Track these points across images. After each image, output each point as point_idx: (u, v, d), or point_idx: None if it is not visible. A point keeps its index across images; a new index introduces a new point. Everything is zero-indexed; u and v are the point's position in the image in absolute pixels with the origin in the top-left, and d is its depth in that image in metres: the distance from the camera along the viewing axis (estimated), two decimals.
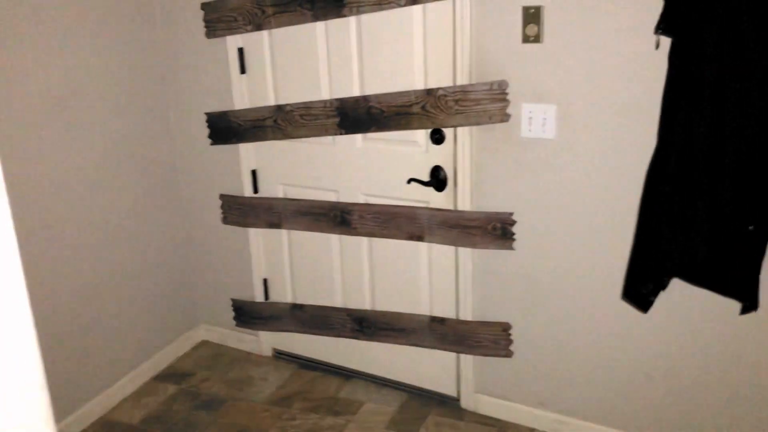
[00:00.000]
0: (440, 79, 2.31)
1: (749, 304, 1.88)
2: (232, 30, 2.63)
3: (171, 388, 2.89)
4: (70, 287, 2.57)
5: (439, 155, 2.41)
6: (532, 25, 2.11)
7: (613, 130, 2.09)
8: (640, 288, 2.01)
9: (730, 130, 1.76)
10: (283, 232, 2.88)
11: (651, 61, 1.96)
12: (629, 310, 2.21)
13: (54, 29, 2.39)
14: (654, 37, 1.90)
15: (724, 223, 1.82)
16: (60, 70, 2.43)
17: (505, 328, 2.48)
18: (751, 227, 1.81)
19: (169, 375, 2.99)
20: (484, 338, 2.53)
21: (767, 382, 2.09)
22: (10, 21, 2.25)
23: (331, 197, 2.70)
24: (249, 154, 2.83)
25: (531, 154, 2.24)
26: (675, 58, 1.85)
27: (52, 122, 2.42)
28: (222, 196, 2.93)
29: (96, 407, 2.70)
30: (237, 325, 3.12)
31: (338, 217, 2.67)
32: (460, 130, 2.33)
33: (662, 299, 2.09)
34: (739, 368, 2.12)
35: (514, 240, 2.35)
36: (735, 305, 1.98)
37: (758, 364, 2.09)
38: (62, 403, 2.56)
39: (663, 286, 1.99)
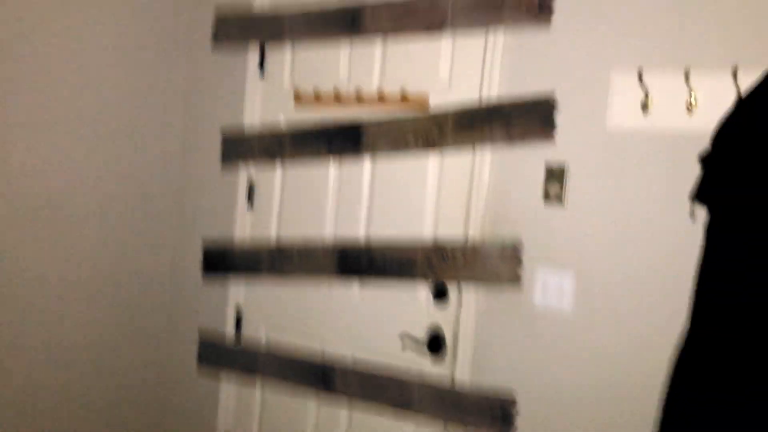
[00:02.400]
0: (450, 230, 2.11)
1: None
2: (247, 159, 2.54)
3: None
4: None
5: (441, 316, 2.14)
6: (554, 184, 1.94)
7: (640, 308, 1.80)
8: None
9: None
10: (257, 391, 2.55)
11: (687, 234, 1.73)
12: None
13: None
14: (690, 206, 1.68)
15: None
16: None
17: None
18: None
19: None
20: None
21: None
22: (33, 32, 2.21)
23: (317, 347, 2.40)
24: (238, 290, 2.60)
25: (543, 327, 1.95)
26: (711, 232, 1.62)
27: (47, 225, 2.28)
28: (201, 334, 2.65)
29: None
30: None
31: (319, 374, 2.35)
32: (465, 291, 2.08)
33: None
34: None
35: (515, 430, 1.99)
36: None
37: None
38: None
39: None
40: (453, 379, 2.10)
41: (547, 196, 1.94)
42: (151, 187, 2.68)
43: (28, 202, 2.27)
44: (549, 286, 1.94)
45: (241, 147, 2.56)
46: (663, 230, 1.77)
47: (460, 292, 2.09)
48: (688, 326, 1.63)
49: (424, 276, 2.12)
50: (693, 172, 1.65)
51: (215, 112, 2.66)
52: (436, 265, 2.09)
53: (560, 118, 1.92)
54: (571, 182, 1.91)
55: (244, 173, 2.58)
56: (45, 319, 2.35)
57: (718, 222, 1.61)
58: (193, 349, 2.69)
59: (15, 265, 2.24)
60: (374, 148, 2.23)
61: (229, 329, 2.61)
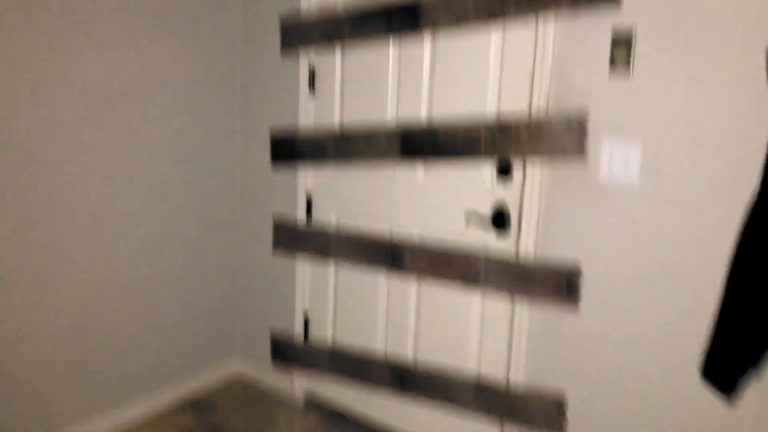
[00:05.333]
0: (514, 104, 2.07)
1: None
2: (307, 45, 2.53)
3: (190, 419, 2.66)
4: (110, 291, 2.46)
5: (505, 193, 2.15)
6: (621, 51, 1.85)
7: (709, 182, 1.76)
8: (726, 365, 1.62)
9: None
10: (330, 268, 2.67)
11: (759, 100, 1.65)
12: (705, 396, 1.80)
13: (135, 26, 2.37)
14: (764, 72, 1.59)
15: None
16: (135, 65, 2.40)
17: (560, 404, 2.11)
18: None
19: (191, 404, 2.78)
20: (534, 413, 2.17)
21: None
22: (94, 19, 2.25)
23: (385, 230, 2.48)
24: (306, 177, 2.67)
25: (609, 201, 1.93)
26: None
27: (120, 117, 2.37)
28: (275, 219, 2.77)
29: (109, 422, 2.51)
30: (272, 362, 2.89)
31: (389, 253, 2.43)
32: (530, 167, 2.07)
33: (756, 387, 1.69)
34: None
35: (579, 299, 2.02)
36: None
37: None
38: (75, 409, 2.39)
39: (756, 364, 1.60)
40: (518, 254, 2.14)
41: (613, 64, 1.87)
42: (214, 77, 2.72)
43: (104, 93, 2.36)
44: (615, 159, 1.90)
45: (299, 32, 2.54)
46: (734, 97, 1.69)
47: (524, 167, 2.08)
48: (760, 184, 1.59)
49: (488, 153, 2.11)
50: None
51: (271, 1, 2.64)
52: (499, 142, 2.07)
53: None
54: (639, 49, 1.82)
55: (304, 60, 2.58)
56: (129, 215, 2.49)
57: None
58: (268, 235, 2.81)
59: (102, 170, 2.37)
60: (434, 24, 2.17)
61: (301, 214, 2.70)
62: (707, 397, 1.82)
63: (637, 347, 1.95)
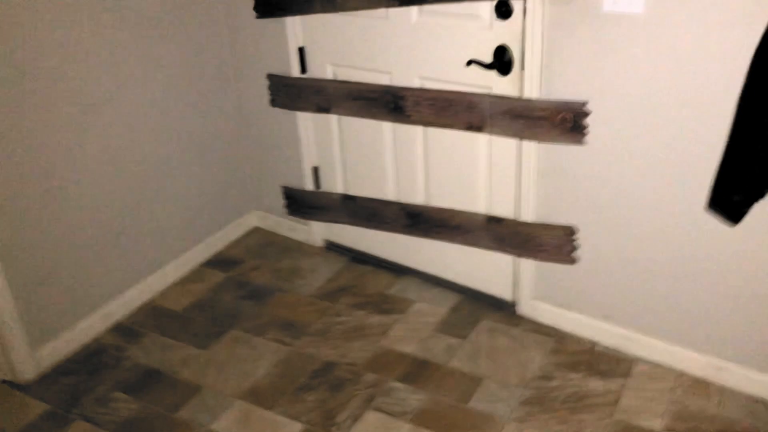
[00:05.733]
0: None
1: None
2: None
3: (219, 275, 2.82)
4: (123, 166, 2.48)
5: (505, 33, 2.08)
6: None
7: (716, 5, 1.69)
8: (732, 195, 1.68)
9: None
10: (333, 118, 2.65)
11: None
12: (714, 222, 1.89)
13: None
14: None
15: None
16: None
17: (570, 232, 2.22)
18: None
19: (218, 261, 2.92)
20: (545, 242, 2.29)
21: None
22: None
23: (384, 79, 2.43)
24: (296, 29, 2.56)
25: (613, 33, 1.87)
26: None
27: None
28: (269, 76, 2.71)
29: (143, 291, 2.67)
30: (288, 214, 2.99)
31: (391, 103, 2.41)
32: (530, 1, 1.97)
33: (756, 209, 1.77)
34: None
35: (585, 134, 2.04)
36: None
37: None
38: (108, 285, 2.53)
39: (762, 194, 1.66)
40: (522, 94, 2.11)
41: None
42: None
43: None
44: None
45: None
46: None
47: (524, 5, 1.99)
48: None
49: None
50: None
51: None
52: None
53: None
54: None
55: None
56: (135, 95, 2.43)
57: None
58: (265, 97, 2.76)
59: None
60: None
61: (295, 69, 2.63)
62: (709, 222, 1.90)
63: (646, 178, 2.00)
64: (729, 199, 1.68)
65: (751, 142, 1.59)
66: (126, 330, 2.53)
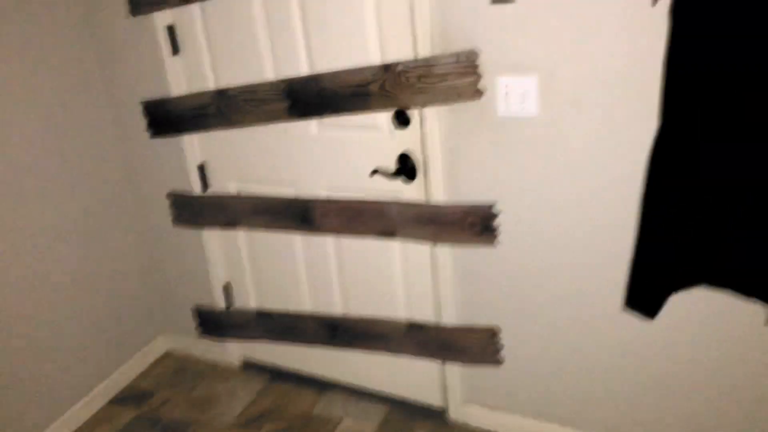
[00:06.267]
0: (399, 52, 1.94)
1: None
2: (159, 5, 2.25)
3: (128, 414, 2.59)
4: (11, 302, 2.26)
5: (406, 140, 2.06)
6: None
7: (608, 104, 1.72)
8: (646, 293, 1.68)
9: (754, 104, 1.41)
10: (241, 234, 2.55)
11: (652, 20, 1.59)
12: (631, 313, 1.88)
13: None
14: None
15: (751, 211, 1.48)
16: None
17: (493, 333, 2.17)
18: None
19: (127, 397, 2.69)
20: (469, 345, 2.22)
21: None
22: None
23: (290, 192, 2.36)
24: (193, 146, 2.47)
25: (510, 136, 1.88)
26: (677, 16, 1.48)
27: None
28: (169, 195, 2.59)
29: None
30: (200, 335, 2.81)
31: (298, 214, 2.33)
32: (427, 110, 1.97)
33: (670, 301, 1.77)
34: (757, 380, 1.80)
35: (496, 235, 2.02)
36: (754, 310, 1.65)
37: None
38: None
39: (675, 288, 1.66)
40: (429, 199, 2.09)
41: None
42: (64, 63, 2.40)
43: None
44: (511, 94, 1.83)
45: None
46: (628, 19, 1.62)
47: (421, 115, 1.99)
48: (660, 120, 1.57)
49: (382, 106, 1.99)
50: None
51: None
52: (391, 92, 1.95)
53: None
54: None
55: (159, 18, 2.30)
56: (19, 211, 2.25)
57: (682, 6, 1.47)
58: (167, 215, 2.64)
59: None
60: None
61: (196, 185, 2.53)
62: (627, 315, 1.89)
63: (559, 275, 1.98)
64: (644, 297, 1.67)
65: (659, 240, 1.60)
66: None
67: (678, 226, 1.55)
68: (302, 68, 2.12)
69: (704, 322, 1.81)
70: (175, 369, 2.84)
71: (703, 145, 1.51)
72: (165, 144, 2.52)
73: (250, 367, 2.80)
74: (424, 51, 1.88)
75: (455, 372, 2.30)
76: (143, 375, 2.82)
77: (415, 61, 1.89)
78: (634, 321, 1.90)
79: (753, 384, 1.82)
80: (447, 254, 2.13)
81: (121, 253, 2.71)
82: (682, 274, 1.63)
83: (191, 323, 2.83)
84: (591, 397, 2.09)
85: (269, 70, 2.18)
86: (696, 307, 1.80)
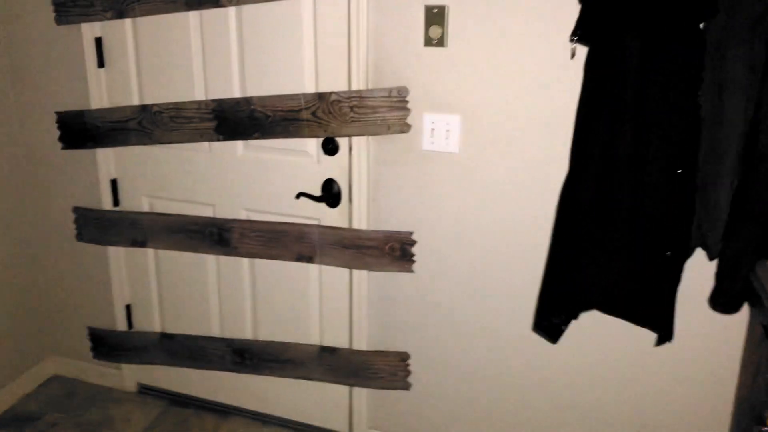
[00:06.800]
0: (334, 84, 2.04)
1: (665, 335, 1.76)
2: (88, 16, 2.24)
3: None
4: None
5: (333, 167, 2.15)
6: (435, 26, 1.89)
7: (523, 144, 1.91)
8: (552, 318, 1.84)
9: (648, 153, 1.62)
10: (149, 252, 2.51)
11: (565, 71, 1.80)
12: (537, 339, 2.05)
13: None
14: (569, 45, 1.74)
15: (641, 251, 1.69)
16: None
17: (403, 358, 2.26)
18: (668, 253, 1.68)
19: (10, 419, 2.52)
20: (379, 369, 2.30)
21: (680, 411, 1.99)
22: None
23: (208, 212, 2.37)
24: (108, 160, 2.43)
25: (433, 169, 2.03)
26: (590, 69, 1.69)
27: None
28: (76, 209, 2.51)
29: None
30: (95, 357, 2.70)
31: (215, 235, 2.34)
32: (355, 140, 2.08)
33: (573, 327, 1.95)
34: (652, 399, 2.01)
35: (413, 262, 2.13)
36: (649, 333, 1.86)
37: (671, 394, 1.99)
38: None
39: (575, 316, 1.84)
40: (351, 225, 2.17)
41: (428, 40, 1.90)
42: None
43: None
44: (436, 130, 1.98)
45: (78, 1, 2.23)
46: (544, 69, 1.82)
47: (350, 144, 2.09)
48: (570, 162, 1.77)
49: (312, 133, 2.08)
50: (574, 9, 1.68)
51: None
52: (323, 119, 2.05)
53: None
54: (452, 23, 1.88)
55: (87, 29, 2.28)
56: None
57: (595, 60, 1.68)
58: (72, 227, 2.55)
59: None
60: None
61: (107, 201, 2.47)
62: (534, 338, 2.06)
63: (470, 302, 2.12)
64: (550, 322, 1.84)
65: (563, 272, 1.78)
66: None
67: (577, 259, 1.74)
68: (234, 91, 2.17)
69: (602, 347, 2.01)
70: (65, 392, 2.69)
71: (600, 191, 1.71)
72: (76, 156, 2.45)
73: (147, 392, 2.71)
74: (358, 84, 2.00)
75: (362, 397, 2.36)
76: (29, 396, 2.65)
77: (349, 92, 2.00)
78: (538, 346, 2.06)
79: (648, 405, 2.03)
80: (363, 279, 2.22)
81: (14, 266, 2.57)
82: (578, 301, 1.82)
83: (84, 345, 2.71)
84: (495, 422, 2.22)
85: (199, 91, 2.22)
86: (595, 333, 1.99)
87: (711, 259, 1.68)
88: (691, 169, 1.61)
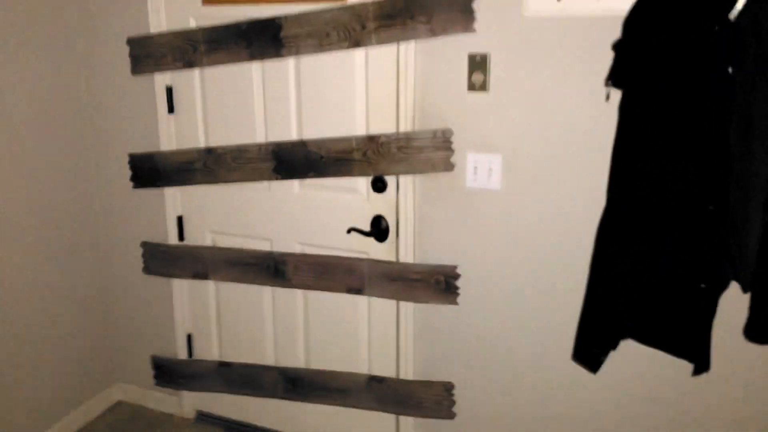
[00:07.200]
0: (382, 126, 2.20)
1: (702, 365, 1.81)
2: (161, 67, 2.46)
3: None
4: None
5: (381, 204, 2.29)
6: (478, 73, 2.04)
7: (562, 181, 2.02)
8: (591, 348, 1.91)
9: (679, 188, 1.71)
10: (210, 284, 2.68)
11: (601, 113, 1.91)
12: (579, 370, 2.11)
13: None
14: (604, 89, 1.85)
15: (677, 283, 1.76)
16: None
17: (448, 388, 2.34)
18: (703, 285, 1.75)
19: None
20: (425, 399, 2.38)
21: None
22: None
23: (265, 246, 2.53)
24: (175, 199, 2.63)
25: (476, 205, 2.14)
26: (625, 111, 1.80)
27: None
28: (144, 244, 2.71)
29: None
30: (157, 384, 2.86)
31: (272, 268, 2.49)
32: (402, 178, 2.22)
33: (614, 358, 2.01)
34: (700, 425, 2.04)
35: (458, 294, 2.24)
36: (687, 364, 1.91)
37: (711, 422, 2.01)
38: None
39: (614, 346, 1.91)
40: (398, 259, 2.30)
41: (471, 85, 2.05)
42: (57, 107, 2.56)
43: None
44: (479, 169, 2.11)
45: (151, 53, 2.46)
46: (581, 111, 1.94)
47: (398, 182, 2.23)
48: (607, 199, 1.86)
49: (363, 172, 2.23)
50: (607, 55, 1.80)
51: (117, 20, 2.53)
52: (372, 159, 2.20)
53: (480, 8, 1.98)
54: (494, 70, 2.02)
55: (160, 80, 2.51)
56: None
57: (630, 103, 1.79)
58: (140, 261, 2.74)
59: None
60: (296, 47, 2.22)
61: (173, 236, 2.67)
62: (576, 369, 2.12)
63: (514, 335, 2.20)
64: (590, 352, 1.90)
65: (602, 304, 1.85)
66: None
67: (614, 292, 1.81)
68: (292, 134, 2.35)
69: (642, 378, 2.06)
70: (128, 417, 2.85)
71: (634, 226, 1.79)
72: (145, 196, 2.66)
73: (204, 419, 2.84)
74: (406, 126, 2.15)
75: (409, 426, 2.45)
76: (95, 421, 2.82)
77: (397, 134, 2.15)
78: (579, 377, 2.13)
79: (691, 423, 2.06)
80: (410, 311, 2.33)
81: (86, 298, 2.78)
82: (615, 332, 1.88)
83: (148, 372, 2.87)
84: None
85: (260, 134, 2.40)
86: (636, 364, 2.05)
87: (744, 292, 1.73)
88: (723, 205, 1.68)
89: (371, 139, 2.19)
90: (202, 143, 2.52)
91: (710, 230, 1.71)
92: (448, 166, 2.12)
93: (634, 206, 1.79)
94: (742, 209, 1.68)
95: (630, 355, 2.02)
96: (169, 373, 2.83)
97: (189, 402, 2.86)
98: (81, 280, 2.74)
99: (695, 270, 1.74)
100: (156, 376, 2.85)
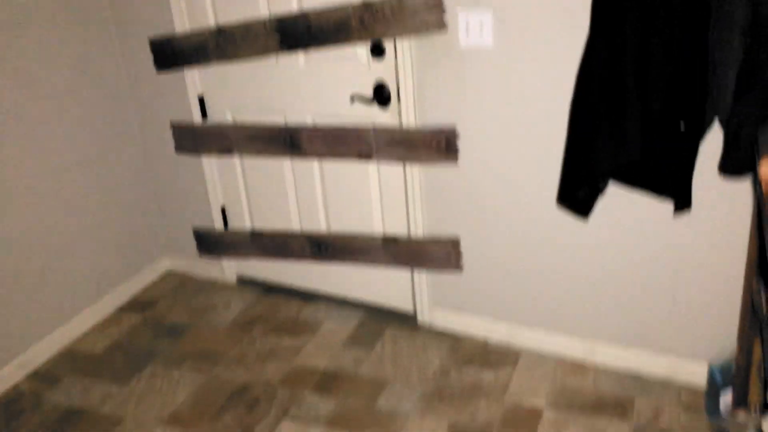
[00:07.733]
0: None
1: (682, 203, 1.87)
2: None
3: (135, 318, 2.93)
4: (30, 219, 2.57)
5: (382, 71, 2.36)
6: None
7: (551, 35, 2.02)
8: (576, 191, 1.99)
9: (660, 23, 1.71)
10: (236, 160, 2.86)
11: None
12: (572, 219, 2.20)
13: None
14: None
15: (656, 122, 1.79)
16: None
17: (455, 243, 2.49)
18: (682, 126, 1.78)
19: (133, 305, 3.02)
20: (435, 254, 2.54)
21: (708, 279, 2.10)
22: None
23: (280, 120, 2.66)
24: (195, 80, 2.77)
25: (470, 64, 2.18)
26: None
27: None
28: (173, 125, 2.89)
29: (59, 337, 2.74)
30: (200, 255, 3.13)
31: (288, 140, 2.64)
32: (400, 43, 2.26)
33: (601, 207, 2.08)
34: (679, 269, 2.13)
35: (458, 154, 2.33)
36: (670, 207, 1.97)
37: (699, 264, 2.10)
38: (25, 334, 2.60)
39: (599, 189, 1.98)
40: (401, 123, 2.39)
41: None
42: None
43: None
44: (470, 26, 2.13)
45: None
46: None
47: (395, 45, 2.28)
48: (589, 35, 1.86)
49: (360, 37, 2.29)
50: None
51: None
52: (368, 24, 2.25)
53: None
54: None
55: None
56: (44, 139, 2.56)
57: None
58: (170, 141, 2.94)
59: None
60: None
61: (197, 115, 2.83)
62: (567, 216, 2.21)
63: (511, 186, 2.30)
64: (574, 195, 1.99)
65: (580, 144, 1.91)
66: (44, 375, 2.59)
67: (593, 131, 1.86)
68: (292, 5, 2.41)
69: (629, 224, 2.14)
70: (177, 284, 3.17)
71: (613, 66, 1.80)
72: (168, 78, 2.81)
73: (244, 282, 3.12)
74: None
75: (423, 280, 2.63)
76: (147, 288, 3.14)
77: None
78: (572, 225, 2.22)
79: (675, 276, 2.15)
80: (416, 174, 2.45)
81: (128, 178, 3.02)
82: (598, 171, 1.94)
83: (192, 244, 3.14)
84: (539, 298, 2.42)
85: (262, 8, 2.47)
86: (622, 211, 2.12)
87: (722, 127, 1.76)
88: (702, 48, 1.68)
89: (366, 5, 2.23)
90: (211, 22, 2.61)
91: (692, 73, 1.72)
92: (441, 25, 2.15)
93: (610, 46, 1.80)
94: (720, 49, 1.67)
95: (618, 203, 2.09)
96: (209, 243, 3.09)
97: (229, 268, 3.13)
98: (123, 162, 2.97)
99: (675, 110, 1.77)
100: (198, 247, 3.12)
